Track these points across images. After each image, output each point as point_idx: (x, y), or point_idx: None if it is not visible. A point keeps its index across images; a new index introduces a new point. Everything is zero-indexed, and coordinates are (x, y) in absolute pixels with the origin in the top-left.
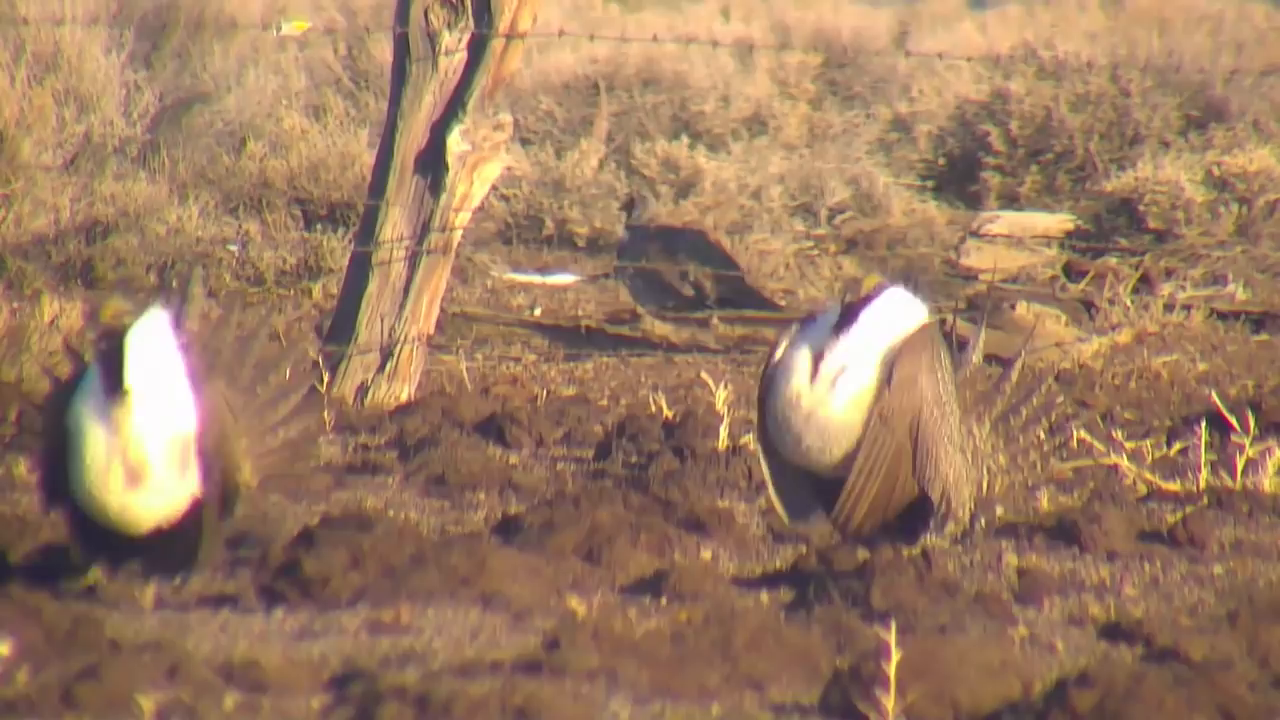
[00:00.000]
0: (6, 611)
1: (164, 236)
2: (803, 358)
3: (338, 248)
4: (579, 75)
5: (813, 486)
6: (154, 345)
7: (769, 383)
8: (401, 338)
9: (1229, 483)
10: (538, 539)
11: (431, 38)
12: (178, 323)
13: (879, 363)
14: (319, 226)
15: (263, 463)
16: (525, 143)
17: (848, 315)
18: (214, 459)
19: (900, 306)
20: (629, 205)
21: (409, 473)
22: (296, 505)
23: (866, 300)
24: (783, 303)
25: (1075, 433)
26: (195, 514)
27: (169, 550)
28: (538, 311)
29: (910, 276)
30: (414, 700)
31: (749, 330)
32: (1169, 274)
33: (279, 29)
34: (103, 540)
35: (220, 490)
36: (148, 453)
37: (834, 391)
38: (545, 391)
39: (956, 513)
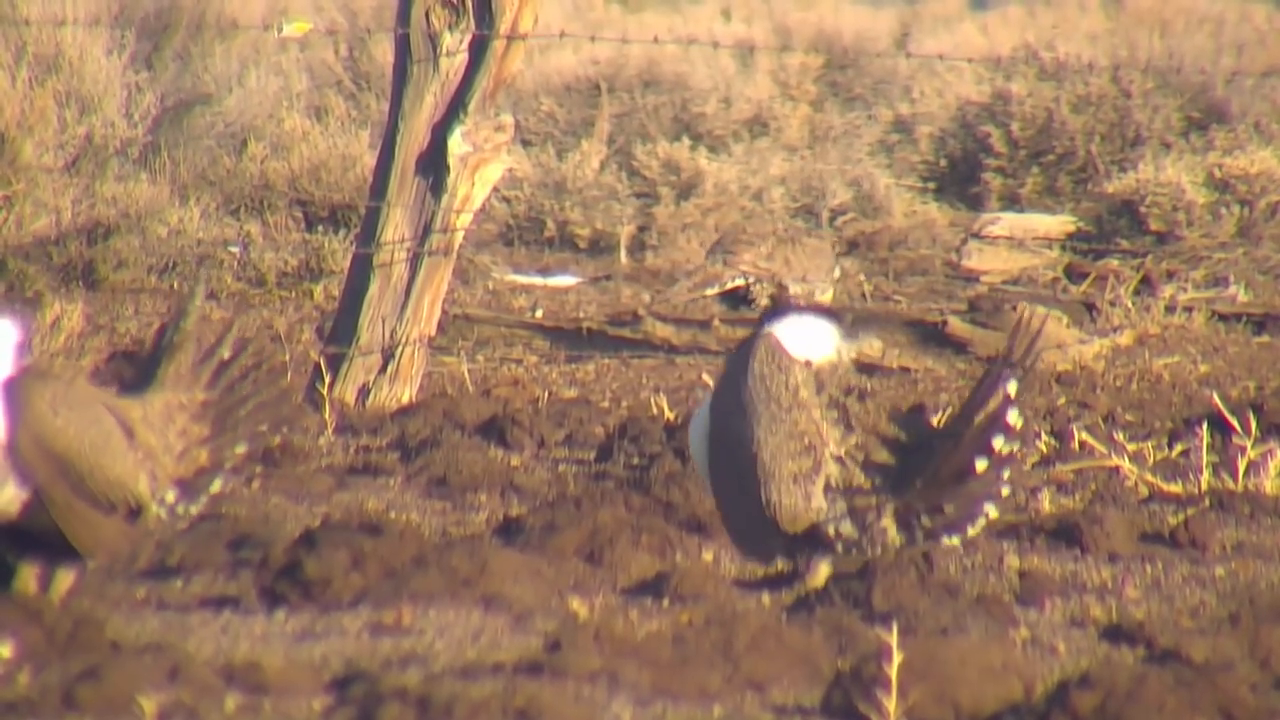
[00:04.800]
0: (7, 612)
1: (165, 238)
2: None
3: (339, 249)
4: (580, 76)
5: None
6: None
7: None
8: (403, 339)
9: (1230, 484)
10: (539, 540)
11: (433, 39)
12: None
13: None
14: (320, 228)
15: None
16: (526, 144)
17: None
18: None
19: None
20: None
21: (410, 474)
22: (298, 506)
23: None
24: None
25: (1076, 434)
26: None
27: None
28: (539, 313)
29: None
30: (415, 702)
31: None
32: (1170, 275)
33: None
34: None
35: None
36: None
37: None
38: (547, 393)
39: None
